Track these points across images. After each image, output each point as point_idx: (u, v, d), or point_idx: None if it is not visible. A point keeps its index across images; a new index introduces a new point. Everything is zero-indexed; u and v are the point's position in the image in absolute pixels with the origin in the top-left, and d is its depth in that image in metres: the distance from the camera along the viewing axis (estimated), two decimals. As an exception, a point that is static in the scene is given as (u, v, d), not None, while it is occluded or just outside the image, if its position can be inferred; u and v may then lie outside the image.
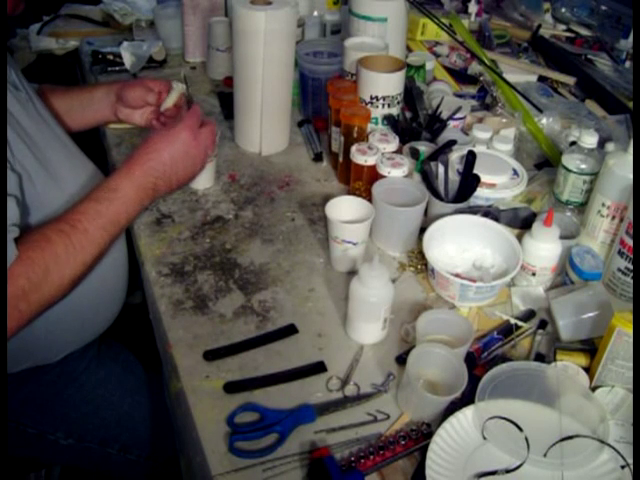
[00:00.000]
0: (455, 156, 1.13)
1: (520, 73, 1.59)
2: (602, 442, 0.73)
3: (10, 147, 0.85)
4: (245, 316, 0.93)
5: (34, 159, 0.90)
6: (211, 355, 0.86)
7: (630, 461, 0.72)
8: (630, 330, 0.75)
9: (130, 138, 1.34)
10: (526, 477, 0.72)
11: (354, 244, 0.97)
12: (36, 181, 0.90)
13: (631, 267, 0.93)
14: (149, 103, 1.16)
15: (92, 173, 1.06)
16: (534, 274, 0.96)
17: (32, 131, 0.92)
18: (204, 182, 1.19)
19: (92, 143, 1.30)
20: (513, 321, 0.92)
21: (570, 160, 1.06)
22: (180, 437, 0.87)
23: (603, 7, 1.85)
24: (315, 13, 1.64)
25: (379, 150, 1.10)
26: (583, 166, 1.05)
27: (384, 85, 1.19)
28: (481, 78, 1.52)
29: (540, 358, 0.87)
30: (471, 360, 0.84)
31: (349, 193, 1.12)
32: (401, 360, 0.86)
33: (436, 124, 1.23)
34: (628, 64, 1.66)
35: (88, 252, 0.86)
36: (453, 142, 1.12)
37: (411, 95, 1.29)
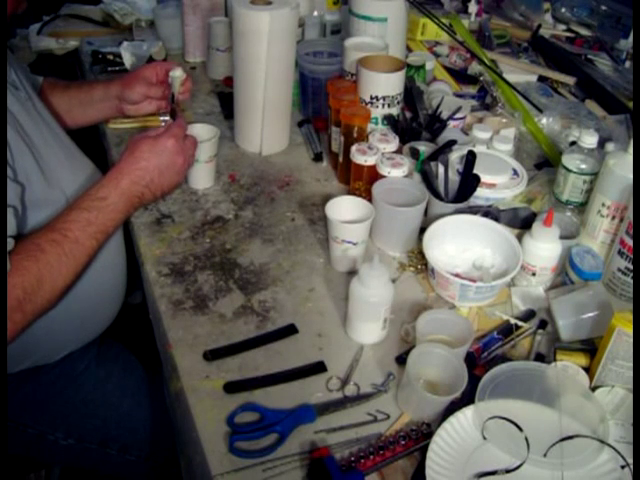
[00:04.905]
0: (455, 156, 1.13)
1: (520, 73, 1.59)
2: (602, 442, 0.73)
3: (11, 151, 0.85)
4: (245, 316, 0.93)
5: (33, 160, 0.90)
6: (211, 355, 0.86)
7: (630, 461, 0.72)
8: (630, 330, 0.75)
9: (130, 137, 1.33)
10: (526, 477, 0.72)
11: (354, 244, 0.97)
12: (34, 182, 0.90)
13: (631, 267, 0.93)
14: (153, 97, 1.17)
15: (91, 173, 1.06)
16: (534, 274, 0.96)
17: (32, 131, 0.93)
18: (204, 182, 1.19)
19: (92, 142, 1.30)
20: (513, 321, 0.92)
21: (570, 160, 1.06)
22: (180, 437, 0.87)
23: (603, 7, 1.85)
24: (315, 13, 1.64)
25: (379, 150, 1.10)
26: (583, 166, 1.05)
27: (384, 85, 1.18)
28: (481, 78, 1.52)
29: (540, 358, 0.87)
30: (471, 360, 0.84)
31: (349, 193, 1.12)
32: (401, 360, 0.86)
33: (436, 124, 1.23)
34: (628, 64, 1.66)
35: (79, 261, 0.88)
36: (453, 142, 1.12)
37: (411, 95, 1.29)
